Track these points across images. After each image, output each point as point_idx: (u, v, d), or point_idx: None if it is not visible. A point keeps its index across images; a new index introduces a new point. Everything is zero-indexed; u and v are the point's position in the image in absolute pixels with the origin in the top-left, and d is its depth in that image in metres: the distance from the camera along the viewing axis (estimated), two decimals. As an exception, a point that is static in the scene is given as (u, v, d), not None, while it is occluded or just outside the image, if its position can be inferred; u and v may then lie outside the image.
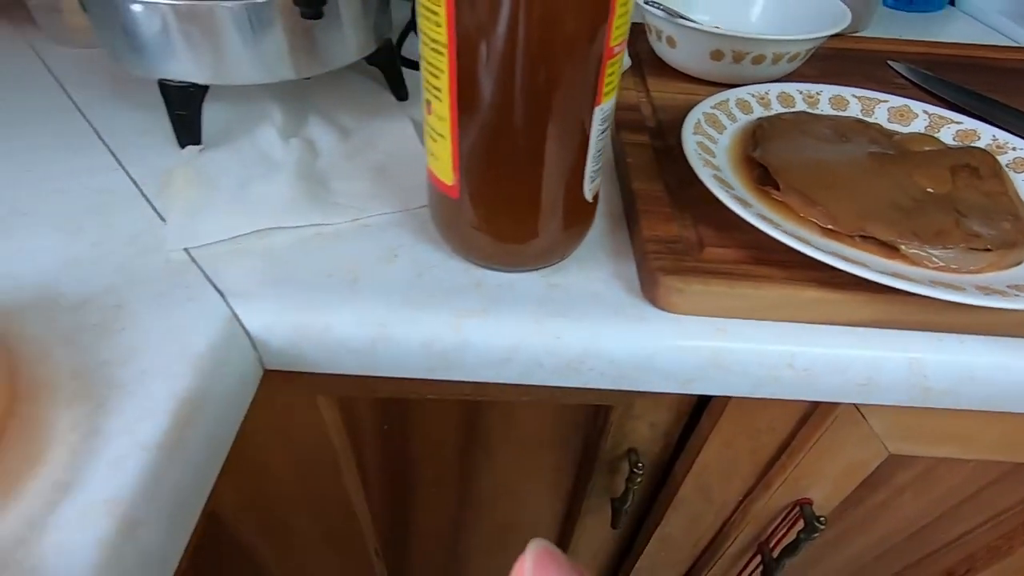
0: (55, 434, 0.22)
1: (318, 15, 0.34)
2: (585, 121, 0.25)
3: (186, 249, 0.31)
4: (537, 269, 0.31)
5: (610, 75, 0.24)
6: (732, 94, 0.39)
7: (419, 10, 0.24)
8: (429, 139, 0.27)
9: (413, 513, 0.56)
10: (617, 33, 0.23)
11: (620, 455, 0.47)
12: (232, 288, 0.29)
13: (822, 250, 0.27)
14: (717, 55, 0.42)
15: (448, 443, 0.48)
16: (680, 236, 0.30)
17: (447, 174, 0.27)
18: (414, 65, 0.46)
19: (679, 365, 0.28)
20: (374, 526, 0.57)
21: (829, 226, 0.29)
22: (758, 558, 0.51)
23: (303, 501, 0.49)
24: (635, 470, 0.44)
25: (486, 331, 0.28)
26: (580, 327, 0.28)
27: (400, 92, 0.46)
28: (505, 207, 0.27)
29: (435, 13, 0.22)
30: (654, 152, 0.36)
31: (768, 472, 0.42)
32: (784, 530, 0.46)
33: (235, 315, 0.27)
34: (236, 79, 0.38)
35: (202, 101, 0.38)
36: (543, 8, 0.21)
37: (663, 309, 0.28)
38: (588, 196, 0.28)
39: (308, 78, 0.40)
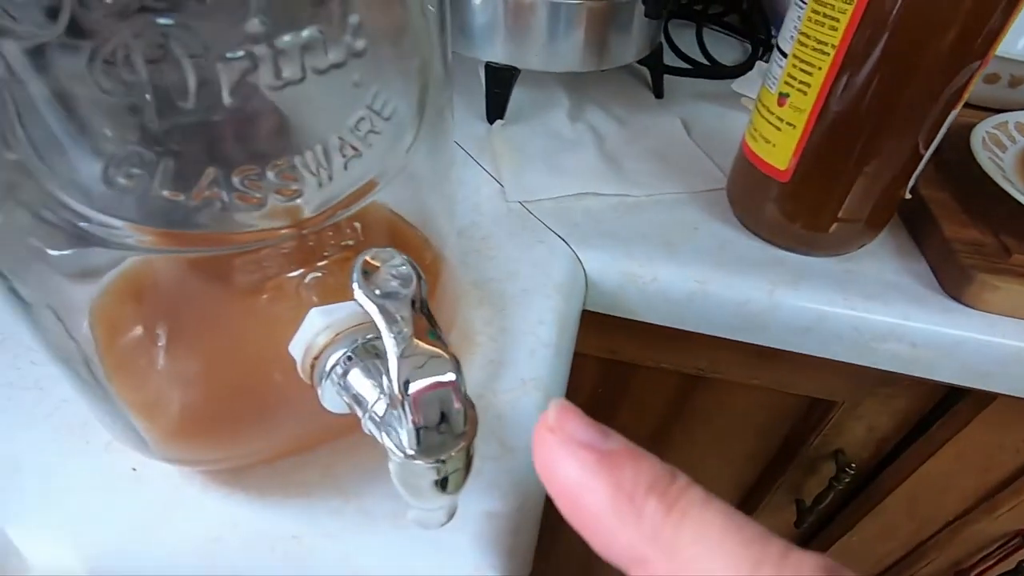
0: (477, 327, 0.28)
1: (658, 15, 0.39)
2: (939, 124, 0.28)
3: (520, 202, 0.37)
4: (835, 255, 0.34)
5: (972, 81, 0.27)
6: (1011, 116, 0.40)
7: (807, 14, 0.28)
8: (768, 127, 0.32)
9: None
10: (999, 40, 0.26)
11: (825, 454, 0.49)
12: (569, 236, 0.34)
13: None
14: (993, 78, 0.43)
15: (654, 414, 0.52)
16: (982, 241, 0.32)
17: (782, 160, 0.31)
18: (672, 71, 0.51)
19: (981, 358, 0.30)
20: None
21: None
22: (948, 585, 0.50)
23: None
24: (847, 470, 0.45)
25: (797, 299, 0.31)
26: (888, 309, 0.31)
27: (659, 91, 0.51)
28: (833, 195, 0.31)
29: (835, 20, 0.27)
30: (934, 165, 0.38)
31: (997, 495, 0.42)
32: (994, 561, 0.45)
33: (577, 257, 0.33)
34: (542, 66, 0.44)
35: (514, 83, 0.45)
36: (947, 23, 0.25)
37: (970, 305, 0.31)
38: (907, 193, 0.31)
39: (586, 72, 0.46)
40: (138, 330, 0.18)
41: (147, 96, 0.11)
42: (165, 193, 0.12)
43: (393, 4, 0.14)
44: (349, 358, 0.19)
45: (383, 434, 0.16)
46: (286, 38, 0.12)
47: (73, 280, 0.15)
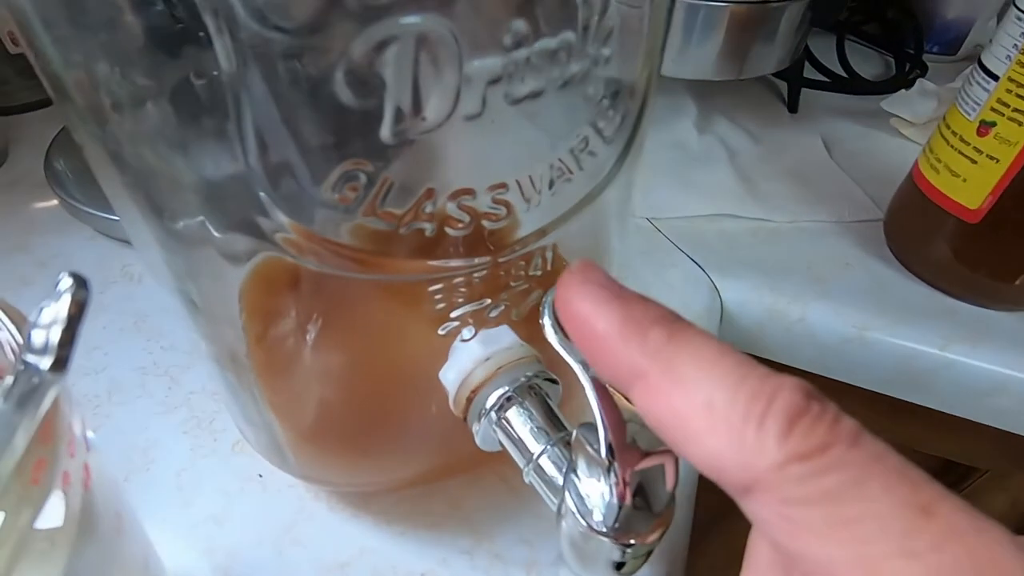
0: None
1: (827, 24, 0.36)
2: None
3: (649, 219, 0.34)
4: (1017, 311, 0.29)
5: None
6: None
7: (1035, 34, 0.24)
8: (958, 158, 0.27)
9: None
10: None
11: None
12: (704, 262, 0.31)
13: None
14: None
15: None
16: None
17: (973, 198, 0.27)
18: (812, 84, 0.47)
19: None
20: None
21: None
22: None
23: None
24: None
25: (975, 358, 0.27)
26: (1091, 380, 0.26)
27: (793, 105, 0.46)
28: (1033, 241, 0.27)
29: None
30: None
31: None
32: None
33: (715, 286, 0.30)
34: (673, 71, 0.41)
35: (641, 89, 0.42)
36: None
37: None
38: None
39: (718, 81, 0.42)
40: (289, 323, 0.17)
41: (387, 106, 0.10)
42: (379, 213, 0.11)
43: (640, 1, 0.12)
44: (509, 398, 0.17)
45: (565, 495, 0.14)
46: (542, 44, 0.10)
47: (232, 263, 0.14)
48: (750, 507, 0.09)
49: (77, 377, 0.25)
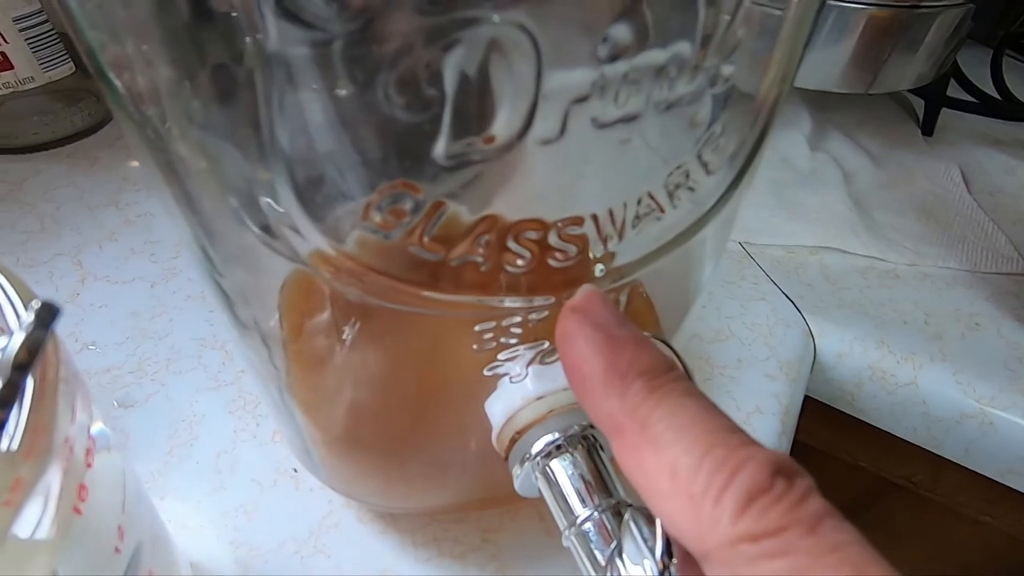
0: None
1: (988, 38, 0.30)
2: None
3: (741, 243, 0.31)
4: None
5: None
6: None
7: None
8: None
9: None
10: None
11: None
12: (800, 300, 0.28)
13: None
14: None
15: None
16: None
17: None
18: (956, 104, 0.41)
19: None
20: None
21: None
22: None
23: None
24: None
25: None
26: None
27: (929, 127, 0.41)
28: None
29: None
30: None
31: None
32: None
33: (809, 330, 0.27)
34: (790, 80, 0.37)
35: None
36: None
37: None
38: None
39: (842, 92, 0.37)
40: (325, 321, 0.16)
41: (446, 121, 0.08)
42: (426, 243, 0.09)
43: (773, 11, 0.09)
44: (559, 446, 0.15)
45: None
46: (646, 56, 0.08)
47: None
48: (708, 572, 0.09)
49: (141, 340, 0.25)
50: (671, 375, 0.10)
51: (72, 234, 0.30)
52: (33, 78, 0.33)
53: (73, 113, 0.36)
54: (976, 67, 0.44)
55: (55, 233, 0.30)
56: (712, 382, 0.24)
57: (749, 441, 0.09)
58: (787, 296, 0.28)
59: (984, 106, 0.42)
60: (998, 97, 0.43)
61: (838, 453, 0.36)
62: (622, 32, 0.07)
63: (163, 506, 0.20)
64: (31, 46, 0.32)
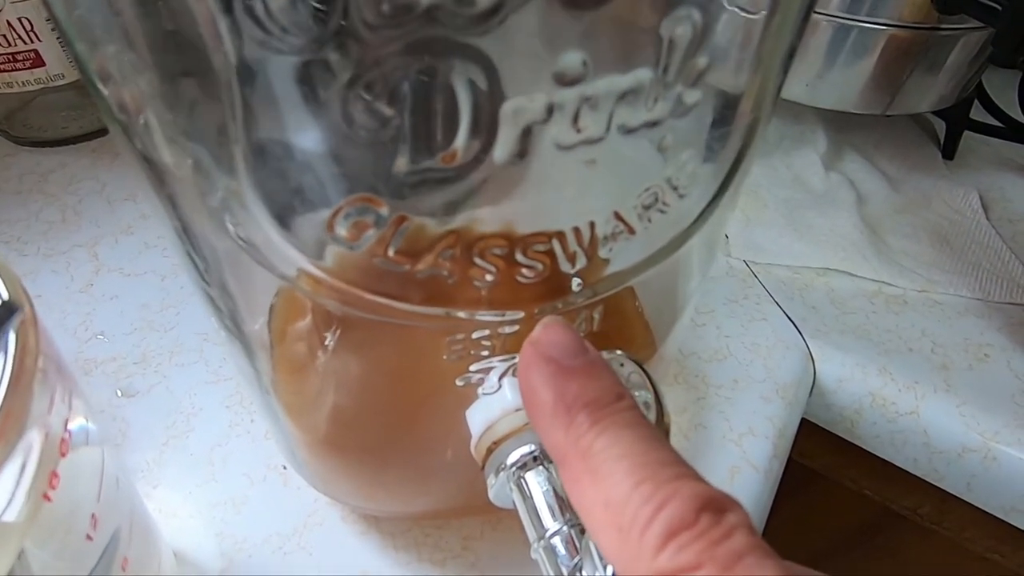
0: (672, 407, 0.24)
1: (1011, 63, 0.30)
2: None
3: (746, 262, 0.31)
4: None
5: None
6: None
7: None
8: None
9: None
10: None
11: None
12: (802, 322, 0.27)
13: None
14: None
15: (826, 531, 0.43)
16: None
17: None
18: (979, 127, 0.40)
19: None
20: None
21: None
22: None
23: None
24: None
25: None
26: None
27: (950, 150, 0.40)
28: None
29: None
30: None
31: None
32: None
33: (811, 356, 0.26)
34: (809, 99, 0.37)
35: (765, 112, 0.38)
36: None
37: None
38: None
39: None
40: (307, 325, 0.17)
41: (406, 138, 0.08)
42: (391, 256, 0.09)
43: (752, 35, 0.09)
44: (535, 458, 0.15)
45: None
46: (605, 82, 0.08)
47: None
48: None
49: (147, 332, 0.26)
50: (615, 406, 0.10)
51: (91, 226, 0.31)
52: (63, 75, 0.34)
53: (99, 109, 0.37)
54: (1003, 90, 0.43)
55: (75, 224, 0.31)
56: (706, 401, 0.24)
57: (682, 475, 0.09)
58: (789, 318, 0.27)
59: (1010, 131, 0.41)
60: (1025, 122, 0.42)
61: (842, 480, 0.36)
62: (574, 59, 0.07)
63: (155, 494, 0.21)
64: (63, 44, 0.34)
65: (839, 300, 0.29)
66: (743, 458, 0.22)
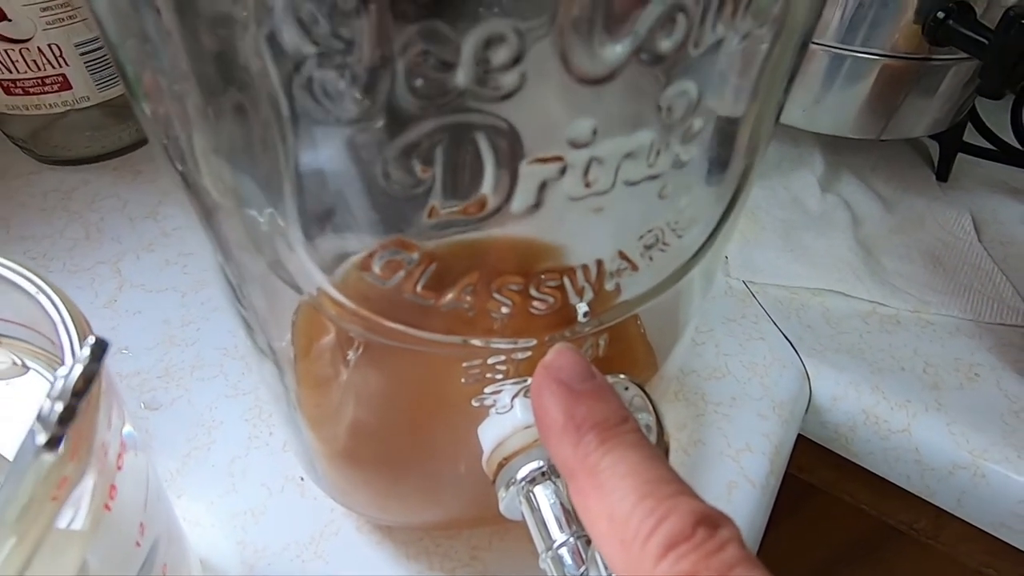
0: (672, 424, 0.25)
1: (997, 95, 0.31)
2: None
3: (744, 282, 0.32)
4: None
5: None
6: None
7: None
8: None
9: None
10: None
11: None
12: (799, 341, 0.28)
13: None
14: None
15: (823, 545, 0.44)
16: None
17: None
18: (973, 150, 0.41)
19: None
20: None
21: None
22: None
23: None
24: None
25: None
26: None
27: (944, 173, 0.41)
28: None
29: None
30: None
31: None
32: None
33: (807, 375, 0.27)
34: (805, 124, 0.38)
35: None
36: None
37: None
38: None
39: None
40: (331, 342, 0.18)
41: (436, 193, 0.09)
42: (419, 290, 0.11)
43: (742, 97, 0.10)
44: (543, 473, 0.16)
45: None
46: (611, 144, 0.09)
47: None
48: None
49: (169, 347, 0.27)
50: (622, 427, 0.11)
51: (113, 243, 0.32)
52: (88, 97, 0.36)
53: (122, 129, 0.38)
54: (996, 113, 0.44)
55: (98, 241, 0.32)
56: (705, 418, 0.25)
57: (680, 492, 0.10)
58: (786, 337, 0.28)
59: (1003, 154, 0.42)
60: (1019, 147, 0.43)
61: (841, 495, 0.36)
62: (585, 126, 0.09)
63: (179, 504, 0.22)
64: (89, 68, 0.35)
65: (834, 320, 0.30)
66: (740, 474, 0.23)
